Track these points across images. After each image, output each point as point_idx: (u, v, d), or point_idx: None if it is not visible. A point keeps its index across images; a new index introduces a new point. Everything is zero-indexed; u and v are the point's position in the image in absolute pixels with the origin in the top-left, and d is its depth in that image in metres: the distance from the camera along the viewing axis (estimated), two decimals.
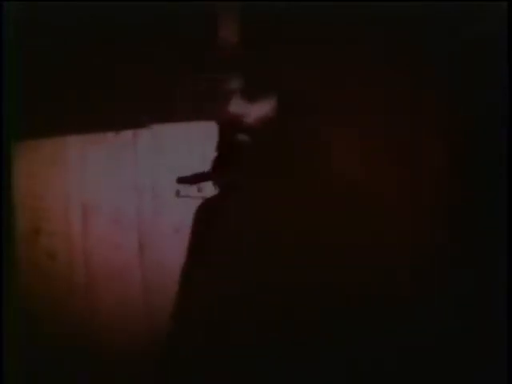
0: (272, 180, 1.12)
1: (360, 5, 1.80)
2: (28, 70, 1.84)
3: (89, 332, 1.75)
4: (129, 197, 1.89)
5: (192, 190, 1.64)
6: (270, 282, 1.09)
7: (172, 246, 1.85)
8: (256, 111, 1.12)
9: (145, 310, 1.82)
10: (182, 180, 1.62)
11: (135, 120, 1.79)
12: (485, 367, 1.65)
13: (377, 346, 1.72)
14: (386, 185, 1.83)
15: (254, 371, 1.08)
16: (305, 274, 1.12)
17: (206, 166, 1.39)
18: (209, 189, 1.27)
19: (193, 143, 1.84)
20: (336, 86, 1.85)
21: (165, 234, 1.89)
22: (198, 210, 1.24)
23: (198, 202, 1.28)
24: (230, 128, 1.13)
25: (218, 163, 1.17)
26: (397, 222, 1.80)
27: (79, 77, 1.80)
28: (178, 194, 1.70)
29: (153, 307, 1.81)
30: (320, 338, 1.15)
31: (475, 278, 1.73)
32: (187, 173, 1.66)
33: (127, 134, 1.83)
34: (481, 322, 1.69)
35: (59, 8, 1.82)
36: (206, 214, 1.20)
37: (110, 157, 1.86)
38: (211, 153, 1.25)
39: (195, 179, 1.49)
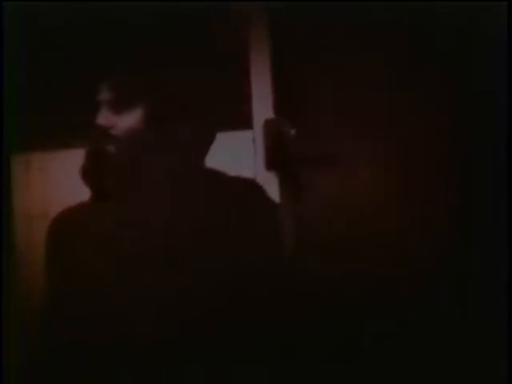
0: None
1: (360, 6, 1.80)
2: (28, 70, 1.85)
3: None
4: None
5: None
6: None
7: None
8: (123, 123, 1.11)
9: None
10: None
11: None
12: (485, 367, 1.65)
13: (376, 346, 1.72)
14: (385, 185, 1.83)
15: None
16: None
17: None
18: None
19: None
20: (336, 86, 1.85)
21: None
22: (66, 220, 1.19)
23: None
24: (98, 139, 1.12)
25: (87, 173, 1.15)
26: (396, 224, 1.80)
27: (80, 79, 1.80)
28: None
29: None
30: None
31: (475, 278, 1.73)
32: None
33: None
34: (481, 321, 1.69)
35: (59, 8, 1.82)
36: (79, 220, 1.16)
37: None
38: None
39: None
